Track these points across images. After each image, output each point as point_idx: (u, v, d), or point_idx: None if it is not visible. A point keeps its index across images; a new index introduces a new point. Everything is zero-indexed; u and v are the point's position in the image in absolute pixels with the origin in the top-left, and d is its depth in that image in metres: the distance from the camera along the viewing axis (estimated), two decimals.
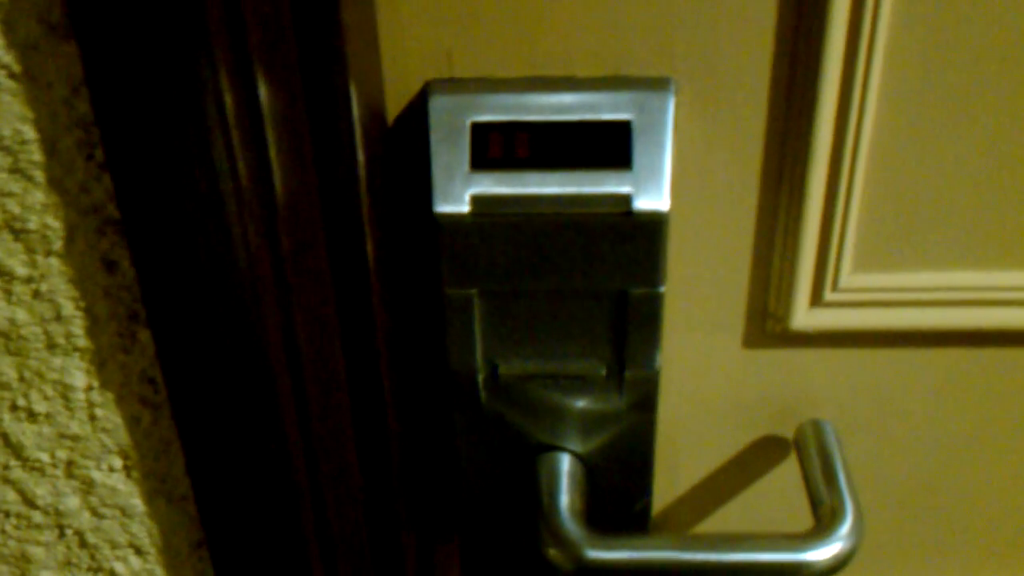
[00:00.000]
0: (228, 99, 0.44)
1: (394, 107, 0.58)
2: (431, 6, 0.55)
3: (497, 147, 0.56)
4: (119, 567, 0.59)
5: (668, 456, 0.69)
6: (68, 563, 0.59)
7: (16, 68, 0.45)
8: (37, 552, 0.59)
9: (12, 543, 0.58)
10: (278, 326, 0.50)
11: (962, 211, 0.59)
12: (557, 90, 0.56)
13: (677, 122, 0.56)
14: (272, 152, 0.47)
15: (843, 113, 0.56)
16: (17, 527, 0.57)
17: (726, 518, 0.72)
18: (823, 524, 0.62)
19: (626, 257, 0.57)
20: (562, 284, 0.58)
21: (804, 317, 0.63)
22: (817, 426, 0.67)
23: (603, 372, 0.61)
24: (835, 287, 0.62)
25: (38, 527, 0.57)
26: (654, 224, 0.56)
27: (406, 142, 0.58)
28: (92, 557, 0.59)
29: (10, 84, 0.45)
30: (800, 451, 0.67)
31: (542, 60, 0.57)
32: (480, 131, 0.56)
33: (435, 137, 0.56)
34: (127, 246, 0.49)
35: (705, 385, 0.67)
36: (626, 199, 0.55)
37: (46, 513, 0.57)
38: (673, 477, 0.70)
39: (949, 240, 0.60)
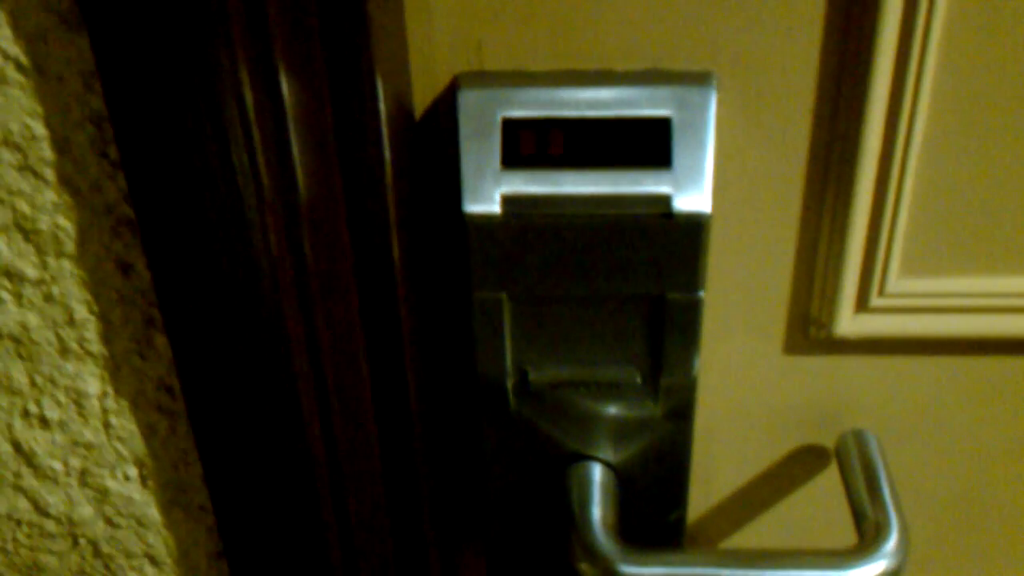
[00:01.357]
0: (249, 94, 0.42)
1: (421, 102, 0.56)
2: None
3: (530, 144, 0.54)
4: None
5: (703, 465, 0.67)
6: (82, 572, 0.57)
7: (24, 61, 0.43)
8: (50, 561, 0.57)
9: (24, 552, 0.56)
10: (300, 331, 0.48)
11: (1014, 214, 0.57)
12: (593, 85, 0.54)
13: (719, 119, 0.54)
14: (295, 150, 0.44)
15: (894, 111, 0.54)
16: (29, 536, 0.55)
17: (763, 531, 0.69)
18: (867, 540, 0.59)
19: (664, 260, 0.54)
20: (597, 288, 0.56)
21: (849, 323, 0.60)
22: (859, 436, 0.65)
23: (638, 379, 0.58)
24: (882, 292, 0.59)
25: (51, 536, 0.55)
26: (694, 226, 0.53)
27: (434, 139, 0.56)
28: (106, 567, 0.57)
29: (18, 77, 0.43)
30: (841, 462, 0.64)
31: (577, 53, 0.54)
32: (512, 127, 0.53)
33: (465, 134, 0.54)
34: (142, 248, 0.46)
35: (743, 392, 0.64)
36: (665, 200, 0.53)
37: (59, 522, 0.55)
38: (708, 487, 0.68)
39: (1001, 244, 0.58)
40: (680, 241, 0.54)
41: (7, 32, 0.42)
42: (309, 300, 0.48)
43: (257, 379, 0.48)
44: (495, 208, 0.54)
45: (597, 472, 0.62)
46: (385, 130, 0.48)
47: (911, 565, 0.69)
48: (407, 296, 0.53)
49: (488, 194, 0.54)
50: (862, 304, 0.60)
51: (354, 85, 0.46)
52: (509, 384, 0.59)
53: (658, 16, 0.53)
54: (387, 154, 0.48)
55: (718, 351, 0.62)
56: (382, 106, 0.47)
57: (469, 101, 0.53)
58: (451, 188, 0.55)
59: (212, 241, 0.44)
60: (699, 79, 0.53)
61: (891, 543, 0.59)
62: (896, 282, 0.59)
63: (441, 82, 0.55)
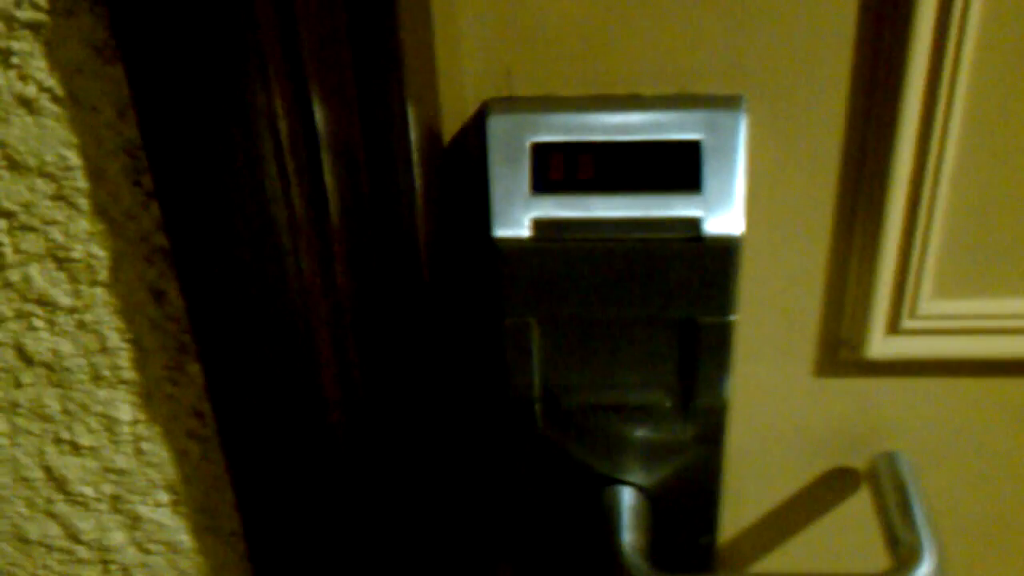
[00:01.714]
0: (283, 124, 0.42)
1: (451, 127, 0.56)
2: (490, 22, 0.52)
3: (559, 169, 0.53)
4: None
5: (734, 488, 0.66)
6: None
7: (60, 91, 0.43)
8: None
9: None
10: (332, 358, 0.48)
11: None
12: (622, 109, 0.54)
13: (749, 142, 0.53)
14: (327, 178, 0.44)
15: (925, 132, 0.53)
16: (61, 562, 0.55)
17: (794, 554, 0.69)
18: (901, 564, 0.59)
19: (695, 284, 0.54)
20: (627, 312, 0.55)
21: (880, 345, 0.60)
22: (891, 458, 0.64)
23: (669, 403, 0.58)
24: (913, 314, 0.59)
25: (82, 562, 0.55)
26: (725, 249, 0.53)
27: (463, 164, 0.56)
28: None
29: (54, 108, 0.43)
30: (873, 485, 0.64)
31: (606, 77, 0.54)
32: (541, 152, 0.53)
33: (494, 158, 0.54)
34: (175, 276, 0.47)
35: (774, 415, 0.64)
36: (695, 223, 0.53)
37: (90, 548, 0.55)
38: (739, 510, 0.67)
39: None
40: (711, 264, 0.54)
41: (43, 63, 0.42)
42: (341, 326, 0.48)
43: (289, 405, 0.48)
44: (525, 232, 0.54)
45: (628, 496, 0.62)
46: (416, 156, 0.48)
47: None
48: (438, 320, 0.53)
49: (518, 219, 0.54)
50: (893, 326, 0.59)
51: (386, 112, 0.46)
52: (539, 408, 0.59)
53: (686, 40, 0.53)
54: (418, 181, 0.48)
55: (749, 374, 0.62)
56: (413, 133, 0.47)
57: (498, 126, 0.53)
58: (481, 213, 0.55)
59: (245, 268, 0.44)
60: (728, 103, 0.53)
61: (925, 567, 0.58)
62: (928, 304, 0.59)
63: (470, 108, 0.55)
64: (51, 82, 0.42)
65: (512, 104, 0.54)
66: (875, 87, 0.52)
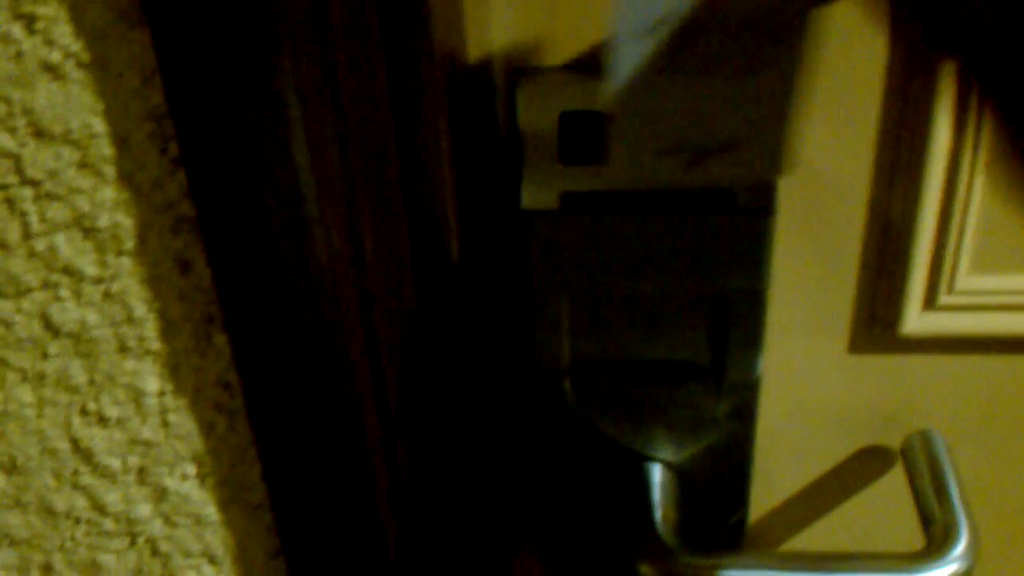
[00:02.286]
0: (311, 90, 0.41)
1: (479, 96, 0.55)
2: None
3: (589, 140, 0.53)
4: None
5: (764, 465, 0.65)
6: (139, 571, 0.57)
7: (85, 57, 0.42)
8: (108, 560, 0.56)
9: (82, 551, 0.56)
10: (359, 328, 0.47)
11: None
12: None
13: None
14: (355, 145, 0.44)
15: (963, 102, 0.52)
16: (87, 534, 0.55)
17: (825, 533, 0.68)
18: (936, 543, 0.58)
19: (728, 256, 0.53)
20: (658, 285, 0.55)
21: (916, 321, 0.59)
22: (926, 437, 0.63)
23: (700, 378, 0.57)
24: (950, 290, 0.58)
25: (108, 534, 0.55)
26: (760, 220, 0.52)
27: (492, 134, 0.55)
28: (164, 566, 0.57)
29: (78, 74, 0.43)
30: (908, 463, 0.63)
31: None
32: (570, 122, 0.52)
33: (523, 129, 0.53)
34: (202, 245, 0.46)
35: (807, 391, 0.63)
36: (730, 194, 0.52)
37: (117, 520, 0.55)
38: (769, 487, 0.66)
39: None
40: (744, 237, 0.53)
41: (67, 28, 0.41)
42: (368, 296, 0.47)
43: (317, 376, 0.48)
44: (554, 204, 0.53)
45: (657, 472, 0.61)
46: (444, 125, 0.47)
47: (980, 569, 0.68)
48: (466, 294, 0.53)
49: (546, 190, 0.53)
50: (930, 302, 0.58)
51: (414, 81, 0.45)
52: (568, 382, 0.58)
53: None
54: (445, 150, 0.48)
55: (781, 349, 0.61)
56: (442, 99, 0.46)
57: (528, 95, 0.53)
58: (510, 184, 0.55)
59: (273, 237, 0.44)
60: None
61: (961, 546, 0.57)
62: (965, 279, 0.57)
63: (499, 77, 0.54)
64: (76, 47, 0.42)
65: (542, 73, 0.53)
66: (914, 56, 0.51)
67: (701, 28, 0.47)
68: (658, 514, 0.59)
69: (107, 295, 0.47)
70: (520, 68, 0.53)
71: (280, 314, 0.46)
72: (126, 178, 0.45)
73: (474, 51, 0.53)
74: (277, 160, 0.42)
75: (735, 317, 0.55)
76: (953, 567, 0.57)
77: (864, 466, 0.65)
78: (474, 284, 0.55)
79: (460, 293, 0.52)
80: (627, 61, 0.48)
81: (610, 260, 0.54)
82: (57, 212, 0.46)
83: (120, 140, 0.44)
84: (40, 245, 0.46)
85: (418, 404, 0.52)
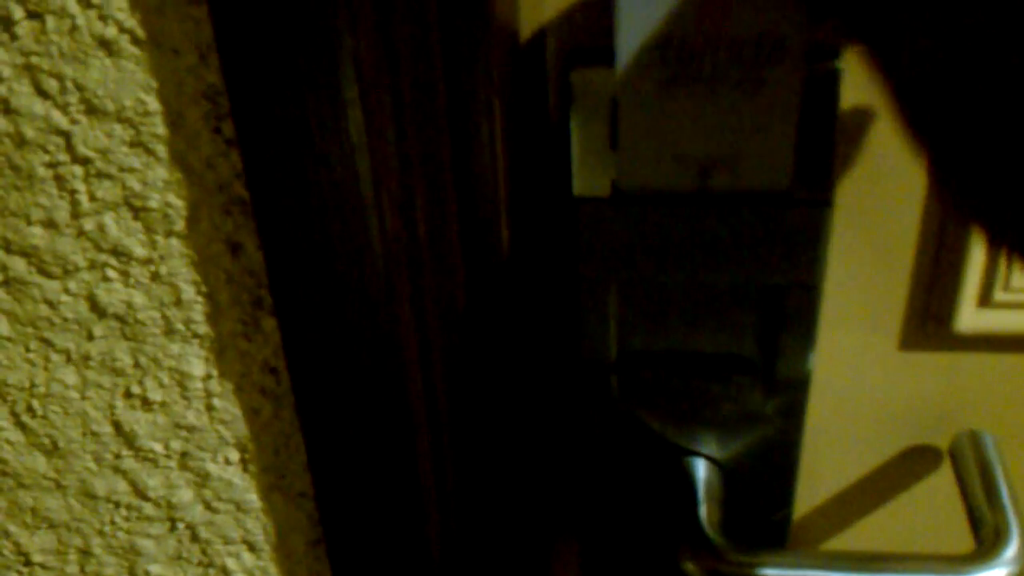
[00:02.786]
0: (369, 69, 0.40)
1: (531, 78, 0.54)
2: None
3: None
4: (231, 563, 0.56)
5: (810, 461, 0.64)
6: (178, 557, 0.56)
7: (140, 33, 0.41)
8: (147, 545, 0.56)
9: (121, 535, 0.55)
10: (411, 316, 0.47)
11: None
12: None
13: (841, 103, 0.51)
14: (414, 130, 0.43)
15: None
16: (127, 519, 0.55)
17: (871, 533, 0.67)
18: (987, 546, 0.57)
19: (783, 248, 0.52)
20: (710, 276, 0.53)
21: (970, 318, 0.57)
22: (976, 437, 0.62)
23: (749, 372, 0.56)
24: (1007, 286, 0.56)
25: (148, 519, 0.55)
26: (816, 213, 0.51)
27: (543, 118, 0.54)
28: (203, 552, 0.56)
29: (133, 50, 0.42)
30: (957, 464, 0.62)
31: None
32: None
33: (576, 113, 0.52)
34: (253, 228, 0.45)
35: (855, 388, 0.61)
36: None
37: (157, 505, 0.54)
38: (814, 484, 0.65)
39: None
40: (799, 229, 0.51)
41: (123, 3, 0.41)
42: (420, 283, 0.46)
43: (366, 365, 0.47)
44: (605, 191, 0.52)
45: (702, 468, 0.60)
46: (497, 108, 0.46)
47: None
48: (513, 281, 0.52)
49: (598, 177, 0.52)
50: (985, 299, 0.57)
51: (470, 59, 0.44)
52: (614, 374, 0.57)
53: None
54: (499, 133, 0.47)
55: (831, 344, 0.60)
56: (497, 81, 0.45)
57: (582, 78, 0.51)
58: (560, 169, 0.54)
59: (327, 220, 0.43)
60: (824, 54, 0.51)
61: (1012, 549, 0.56)
62: (1022, 276, 0.56)
63: (552, 58, 0.53)
64: (131, 23, 0.41)
65: (597, 55, 0.52)
66: None
67: (706, 44, 0.47)
68: (703, 510, 0.58)
69: (155, 276, 0.47)
70: (574, 49, 0.52)
71: (331, 299, 0.45)
72: (178, 158, 0.44)
73: (526, 30, 0.52)
74: (333, 141, 0.41)
75: (788, 311, 0.54)
76: (1004, 570, 0.56)
77: (912, 465, 0.64)
78: (522, 271, 0.54)
79: (508, 281, 0.51)
80: (635, 75, 0.47)
81: (661, 250, 0.53)
82: (107, 191, 0.45)
83: (173, 119, 0.43)
84: (89, 224, 0.46)
85: (465, 395, 0.51)
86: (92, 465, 0.53)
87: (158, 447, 0.52)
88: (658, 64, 0.48)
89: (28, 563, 0.58)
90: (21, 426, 0.52)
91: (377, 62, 0.40)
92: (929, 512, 0.65)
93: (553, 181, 0.54)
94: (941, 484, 0.64)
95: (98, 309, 0.48)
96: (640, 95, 0.49)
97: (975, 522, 0.58)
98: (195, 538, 0.55)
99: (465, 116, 0.45)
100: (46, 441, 0.52)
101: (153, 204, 0.45)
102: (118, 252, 0.46)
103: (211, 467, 0.52)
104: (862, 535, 0.66)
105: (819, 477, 0.64)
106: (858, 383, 0.61)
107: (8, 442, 0.53)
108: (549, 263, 0.57)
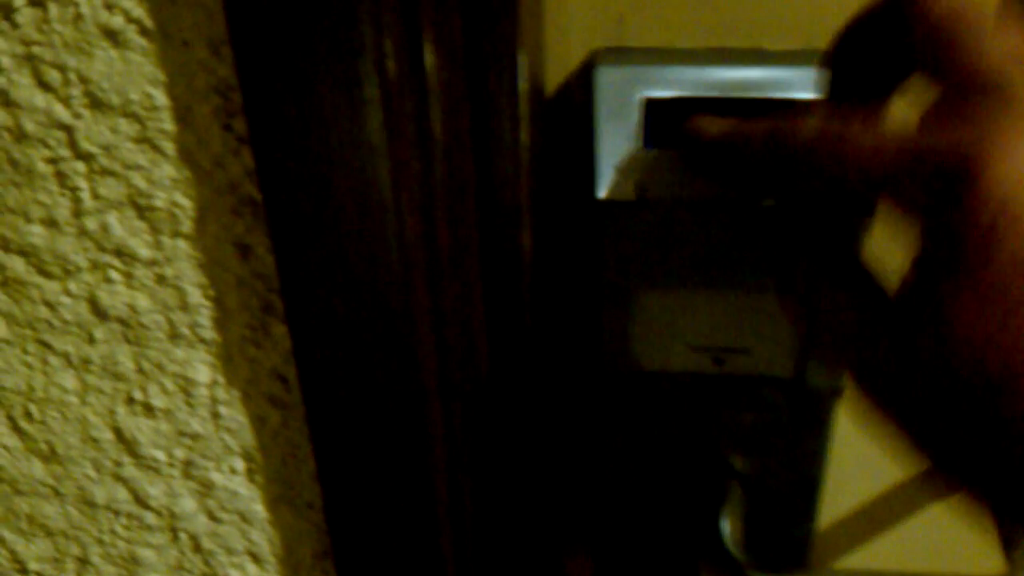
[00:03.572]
0: (391, 66, 0.38)
1: (555, 78, 0.51)
2: None
3: (672, 127, 0.49)
4: (234, 574, 0.54)
5: (834, 475, 0.62)
6: (180, 567, 0.54)
7: (148, 23, 0.39)
8: (147, 555, 0.54)
9: (121, 544, 0.53)
10: (429, 325, 0.44)
11: None
12: (743, 64, 0.49)
13: None
14: (436, 128, 0.40)
15: None
16: (127, 527, 0.52)
17: (895, 550, 0.64)
18: (1018, 568, 0.55)
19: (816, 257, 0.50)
20: (740, 281, 0.51)
21: None
22: None
23: (777, 383, 0.54)
24: None
25: (150, 528, 0.52)
26: (855, 221, 0.48)
27: (567, 118, 0.52)
28: (206, 563, 0.54)
29: (140, 42, 0.39)
30: None
31: (726, 28, 0.50)
32: (653, 108, 0.49)
33: (601, 114, 0.49)
34: (265, 230, 0.43)
35: None
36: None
37: (159, 514, 0.52)
38: (837, 499, 0.63)
39: None
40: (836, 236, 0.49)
41: None
42: (439, 290, 0.44)
43: (380, 373, 0.45)
44: (632, 195, 0.50)
45: (727, 481, 0.58)
46: (523, 110, 0.44)
47: None
48: (534, 288, 0.49)
49: (624, 180, 0.50)
50: None
51: (495, 61, 0.42)
52: (637, 380, 0.55)
53: None
54: (523, 136, 0.44)
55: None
56: (522, 85, 0.43)
57: (607, 79, 0.49)
58: (584, 172, 0.51)
59: (343, 224, 0.41)
60: None
61: None
62: None
63: (576, 57, 0.51)
64: (139, 12, 0.39)
65: (622, 55, 0.50)
66: None
67: (722, 246, 0.50)
68: (725, 525, 0.56)
69: (160, 279, 0.45)
70: (600, 48, 0.50)
71: (344, 306, 0.43)
72: (187, 155, 0.41)
73: (552, 27, 0.50)
74: (351, 141, 0.39)
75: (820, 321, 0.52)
76: None
77: (938, 480, 0.62)
78: (544, 277, 0.52)
79: (530, 287, 0.49)
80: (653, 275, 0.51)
81: (689, 255, 0.51)
82: (111, 189, 0.43)
83: (182, 114, 0.41)
84: (91, 223, 0.43)
85: (483, 405, 0.49)
86: (91, 472, 0.51)
87: (160, 455, 0.50)
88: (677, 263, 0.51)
89: (24, 571, 0.56)
90: (18, 431, 0.50)
91: (400, 60, 0.38)
92: (957, 530, 0.63)
93: (576, 184, 0.52)
94: (970, 502, 0.62)
95: (100, 312, 0.45)
96: (662, 294, 0.52)
97: (1006, 543, 0.56)
98: (197, 549, 0.53)
99: (488, 119, 0.43)
100: (44, 447, 0.50)
101: (159, 203, 0.43)
102: (121, 253, 0.44)
103: (215, 476, 0.50)
104: (888, 552, 0.64)
105: (844, 490, 0.62)
106: None
107: (4, 447, 0.51)
108: (572, 268, 0.55)
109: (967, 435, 0.30)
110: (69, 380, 0.48)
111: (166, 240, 0.43)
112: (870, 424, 0.36)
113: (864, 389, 0.34)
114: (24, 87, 0.41)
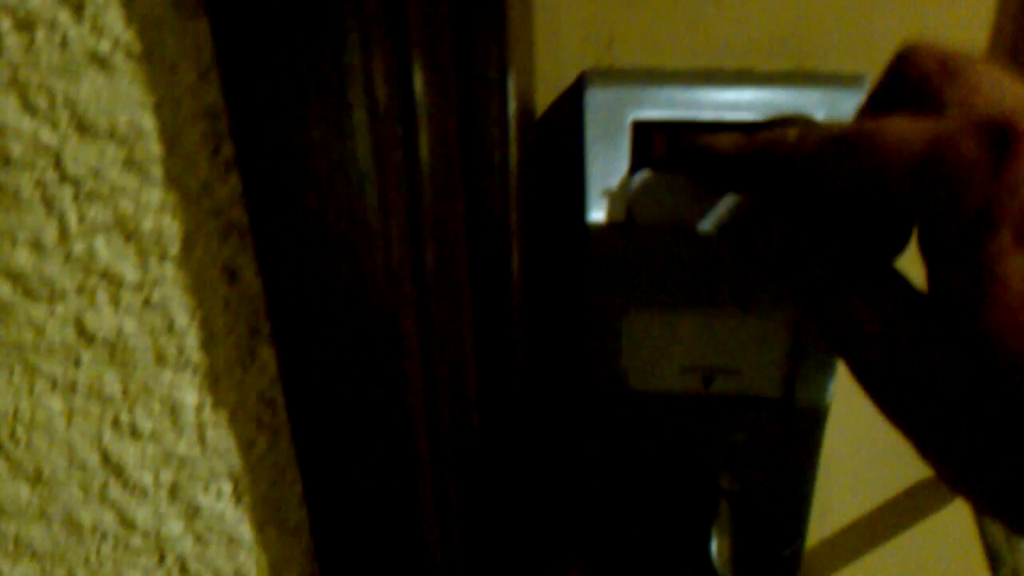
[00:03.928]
0: (380, 92, 0.38)
1: (544, 99, 0.51)
2: None
3: (662, 149, 0.49)
4: None
5: (822, 493, 0.62)
6: None
7: (136, 47, 0.39)
8: None
9: (108, 567, 0.53)
10: (416, 350, 0.44)
11: None
12: (733, 85, 0.49)
13: None
14: (423, 155, 0.40)
15: None
16: (114, 550, 0.52)
17: (883, 568, 0.64)
18: None
19: None
20: (727, 304, 0.51)
21: None
22: None
23: (766, 403, 0.54)
24: None
25: (136, 551, 0.52)
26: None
27: (557, 140, 0.52)
28: None
29: (128, 65, 0.39)
30: None
31: (716, 49, 0.50)
32: (643, 130, 0.49)
33: (591, 135, 0.49)
34: (252, 254, 0.43)
35: (871, 418, 0.59)
36: None
37: (146, 537, 0.52)
38: (825, 516, 0.63)
39: None
40: None
41: (118, 15, 0.38)
42: (427, 315, 0.44)
43: (368, 397, 0.45)
44: (621, 217, 0.50)
45: (715, 500, 0.58)
46: (513, 133, 0.44)
47: None
48: (523, 309, 0.49)
49: (615, 202, 0.50)
50: None
51: (484, 84, 0.42)
52: (625, 400, 0.55)
53: (807, 11, 0.48)
54: (513, 160, 0.44)
55: (846, 374, 0.57)
56: (512, 106, 0.43)
57: (597, 100, 0.49)
58: (574, 194, 0.51)
59: (330, 249, 0.40)
60: (850, 81, 0.49)
61: None
62: None
63: (567, 78, 0.51)
64: (127, 37, 0.38)
65: (612, 76, 0.50)
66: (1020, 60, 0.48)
67: (712, 266, 0.50)
68: (713, 544, 0.56)
69: (147, 303, 0.44)
70: (590, 69, 0.50)
71: (332, 330, 0.43)
72: (174, 179, 0.41)
73: (542, 47, 0.50)
74: (339, 167, 0.39)
75: (806, 339, 0.52)
76: None
77: (925, 497, 0.62)
78: (534, 300, 0.51)
79: (520, 310, 0.49)
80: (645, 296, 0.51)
81: (679, 277, 0.51)
82: (98, 213, 0.42)
83: (170, 138, 0.40)
84: (78, 247, 0.43)
85: (471, 428, 0.49)
86: (78, 495, 0.50)
87: (147, 477, 0.49)
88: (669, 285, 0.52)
89: None
90: (4, 454, 0.49)
91: (389, 84, 0.38)
92: (944, 548, 0.63)
93: (566, 205, 0.52)
94: (956, 519, 0.62)
95: (86, 335, 0.45)
96: (650, 316, 0.52)
97: (993, 561, 0.56)
98: (184, 571, 0.53)
99: (478, 142, 0.43)
100: (30, 469, 0.50)
101: (146, 227, 0.42)
102: (108, 276, 0.44)
103: (203, 499, 0.50)
104: (876, 570, 0.64)
105: (832, 509, 0.62)
106: (874, 414, 0.59)
107: None
108: (562, 290, 0.55)
109: (993, 427, 0.29)
110: (56, 403, 0.47)
111: (153, 264, 0.43)
112: (861, 438, 0.36)
113: (874, 386, 0.35)
114: (10, 110, 0.40)
